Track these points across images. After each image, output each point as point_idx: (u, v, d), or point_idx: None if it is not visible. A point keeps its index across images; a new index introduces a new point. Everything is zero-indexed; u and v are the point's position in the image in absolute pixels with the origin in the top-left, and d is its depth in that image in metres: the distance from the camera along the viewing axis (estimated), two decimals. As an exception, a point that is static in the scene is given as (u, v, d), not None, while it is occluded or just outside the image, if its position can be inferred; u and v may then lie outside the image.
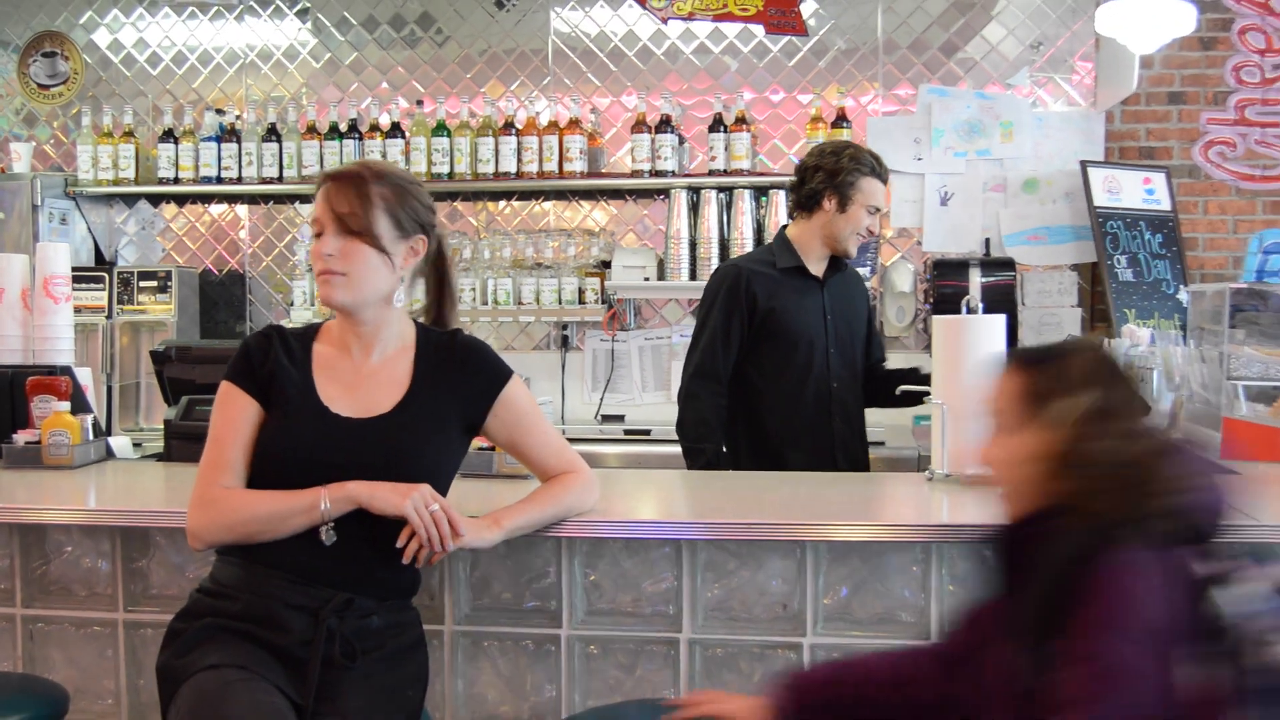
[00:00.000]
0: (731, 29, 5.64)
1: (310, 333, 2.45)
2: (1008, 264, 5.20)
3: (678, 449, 3.70)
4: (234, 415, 2.33)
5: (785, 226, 3.84)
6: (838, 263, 3.79)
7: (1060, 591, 1.75)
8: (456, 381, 2.41)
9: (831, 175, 3.66)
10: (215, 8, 5.95)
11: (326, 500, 2.22)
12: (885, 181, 3.72)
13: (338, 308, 2.36)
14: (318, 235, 2.34)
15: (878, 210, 3.72)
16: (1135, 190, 5.35)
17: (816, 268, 3.75)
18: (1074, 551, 1.77)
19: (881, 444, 4.54)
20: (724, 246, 5.42)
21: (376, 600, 2.30)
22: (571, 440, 4.69)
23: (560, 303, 5.41)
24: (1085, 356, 1.93)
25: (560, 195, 5.75)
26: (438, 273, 2.50)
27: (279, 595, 2.23)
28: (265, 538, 2.24)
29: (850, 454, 3.75)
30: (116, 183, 5.83)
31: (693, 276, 5.34)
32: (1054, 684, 1.70)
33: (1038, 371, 1.92)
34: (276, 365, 2.35)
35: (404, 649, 2.35)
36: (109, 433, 4.99)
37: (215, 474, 2.29)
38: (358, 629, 2.26)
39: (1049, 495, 1.86)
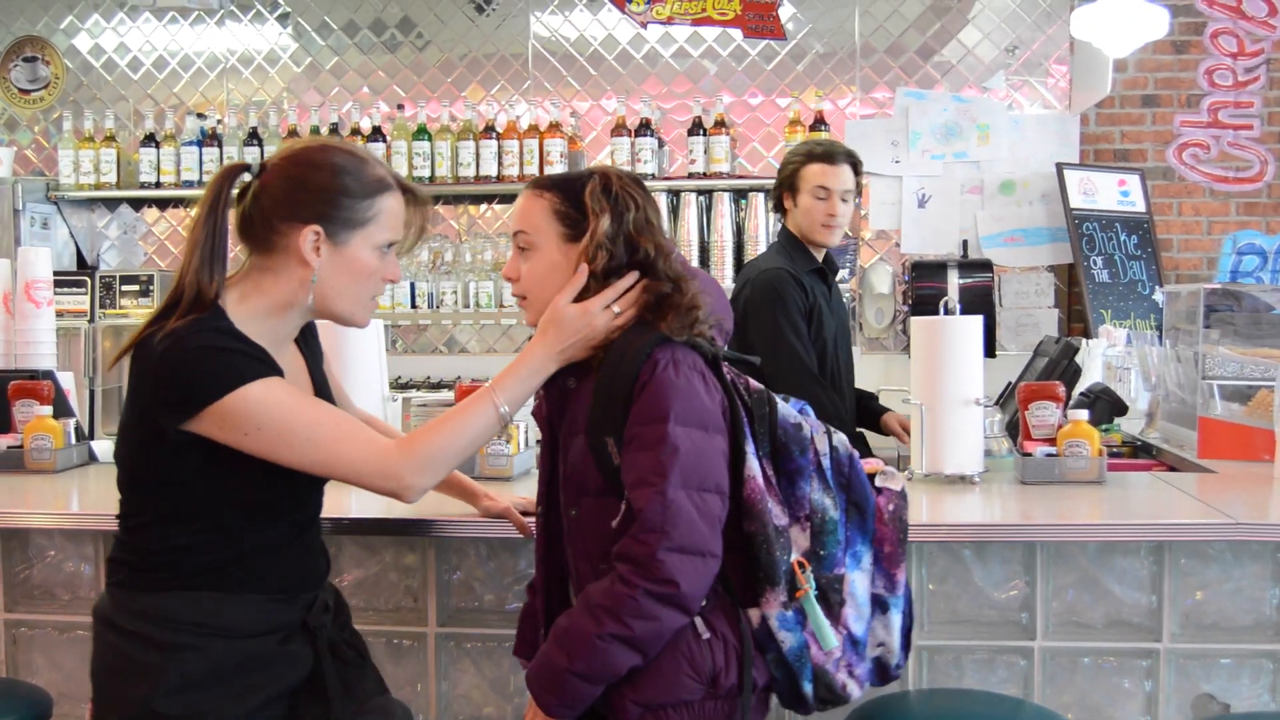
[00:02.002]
0: (710, 33, 5.68)
1: (237, 334, 2.07)
2: (985, 265, 5.24)
3: None
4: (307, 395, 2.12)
5: (781, 230, 3.82)
6: (831, 267, 3.80)
7: (616, 388, 1.98)
8: (315, 350, 2.30)
9: (781, 172, 3.70)
10: (196, 12, 5.95)
11: (502, 401, 2.08)
12: (836, 163, 3.61)
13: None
14: (387, 248, 2.14)
15: (827, 191, 3.59)
16: (1110, 192, 5.41)
17: (814, 265, 3.74)
18: (620, 353, 2.01)
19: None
20: (704, 249, 5.46)
21: (322, 585, 2.22)
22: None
23: (541, 305, 5.42)
24: (601, 180, 2.09)
25: (541, 198, 5.76)
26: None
27: (270, 621, 2.06)
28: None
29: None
30: (98, 187, 5.83)
31: (673, 279, 5.35)
32: (630, 466, 1.95)
33: (560, 194, 2.09)
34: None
35: (348, 619, 2.27)
36: (91, 437, 4.97)
37: (374, 440, 2.05)
38: (327, 620, 2.16)
39: None
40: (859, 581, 2.05)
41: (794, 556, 2.00)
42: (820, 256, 3.71)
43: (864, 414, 3.84)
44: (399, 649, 2.74)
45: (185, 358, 1.95)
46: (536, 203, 2.11)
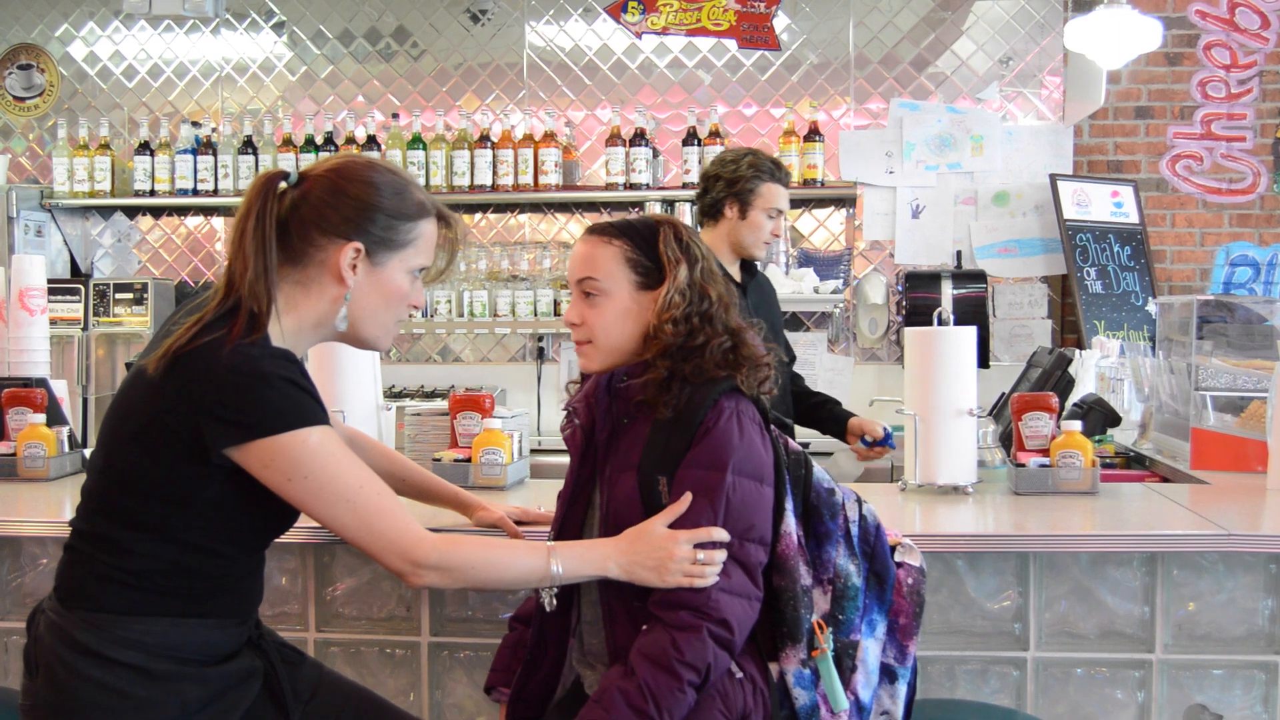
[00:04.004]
0: (705, 43, 5.69)
1: (303, 370, 1.98)
2: (979, 276, 5.25)
3: None
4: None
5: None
6: (750, 267, 3.80)
7: (678, 428, 2.02)
8: None
9: (731, 184, 3.67)
10: (191, 20, 5.95)
11: (558, 565, 2.01)
12: (786, 185, 3.72)
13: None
14: (418, 273, 2.10)
15: (780, 213, 3.70)
16: (1104, 203, 5.42)
17: (731, 273, 3.75)
18: (685, 398, 2.04)
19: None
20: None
21: None
22: (546, 452, 4.69)
23: (536, 315, 5.43)
24: (673, 230, 2.13)
25: (536, 208, 5.78)
26: None
27: (239, 642, 2.05)
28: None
29: None
30: (92, 195, 5.83)
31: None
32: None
33: (631, 242, 2.11)
34: None
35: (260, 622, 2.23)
36: (85, 445, 4.95)
37: (410, 522, 1.97)
38: (263, 630, 2.17)
39: (650, 351, 2.08)
40: (871, 649, 2.09)
41: (814, 617, 2.05)
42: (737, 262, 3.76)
43: (829, 419, 3.88)
44: (392, 658, 2.74)
45: (254, 380, 1.86)
46: (606, 250, 2.11)
